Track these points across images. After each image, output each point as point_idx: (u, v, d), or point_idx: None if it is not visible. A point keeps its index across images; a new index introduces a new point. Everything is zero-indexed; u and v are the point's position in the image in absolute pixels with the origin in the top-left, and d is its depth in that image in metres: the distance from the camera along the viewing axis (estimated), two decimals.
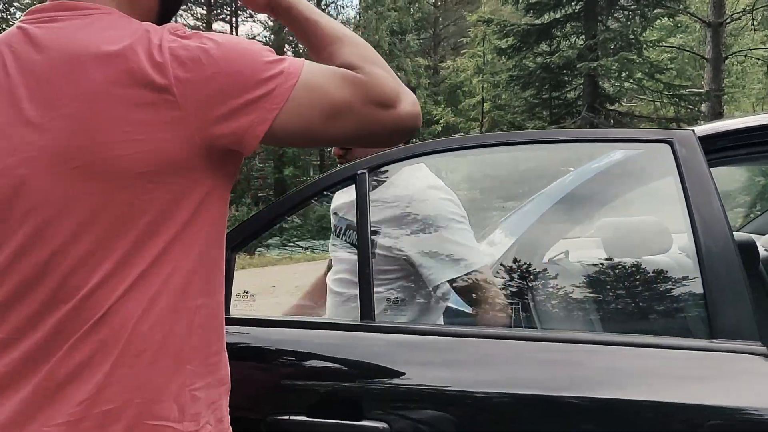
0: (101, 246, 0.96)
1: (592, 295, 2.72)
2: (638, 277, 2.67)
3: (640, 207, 2.95)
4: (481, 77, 15.81)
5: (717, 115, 13.94)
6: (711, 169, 1.60)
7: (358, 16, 32.66)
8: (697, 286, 1.50)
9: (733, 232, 1.56)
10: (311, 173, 35.87)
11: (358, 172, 1.71)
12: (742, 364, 1.40)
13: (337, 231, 2.06)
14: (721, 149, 1.80)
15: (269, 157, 33.37)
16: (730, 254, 1.48)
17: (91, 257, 0.96)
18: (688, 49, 16.01)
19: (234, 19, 36.16)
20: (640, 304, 2.55)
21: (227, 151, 1.01)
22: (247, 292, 2.15)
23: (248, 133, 0.98)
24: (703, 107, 14.48)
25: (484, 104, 15.80)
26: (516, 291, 2.63)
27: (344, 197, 2.02)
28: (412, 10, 29.66)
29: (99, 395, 0.96)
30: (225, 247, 1.12)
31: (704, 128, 1.81)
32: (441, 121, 18.53)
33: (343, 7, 39.06)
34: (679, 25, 16.81)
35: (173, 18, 1.17)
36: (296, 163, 34.92)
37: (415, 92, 1.21)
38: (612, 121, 14.62)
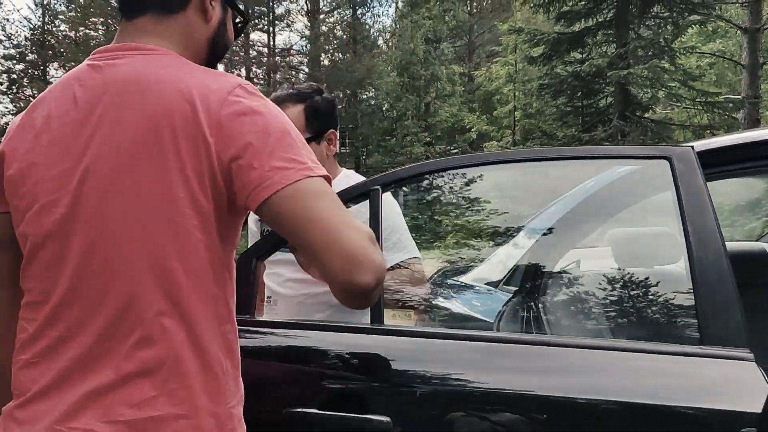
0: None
1: (600, 302, 2.82)
2: (643, 286, 2.76)
3: (641, 220, 3.03)
4: (513, 86, 15.82)
5: (754, 122, 13.78)
6: (717, 181, 1.70)
7: (394, 24, 32.92)
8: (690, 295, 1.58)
9: (747, 242, 1.64)
10: None
11: (372, 188, 1.85)
12: (727, 370, 1.47)
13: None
14: (719, 164, 1.89)
15: None
16: (722, 265, 1.56)
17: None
18: (723, 55, 15.82)
19: (271, 29, 36.59)
20: (645, 312, 2.63)
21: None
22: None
23: (251, 197, 1.09)
24: (739, 114, 14.31)
25: (516, 112, 15.80)
26: (528, 297, 2.77)
27: None
28: (447, 18, 29.76)
29: (148, 402, 1.08)
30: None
31: (702, 143, 1.91)
32: (473, 129, 18.56)
33: (379, 16, 39.19)
34: (718, 30, 16.61)
35: (220, 61, 1.35)
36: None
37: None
38: (644, 129, 14.52)
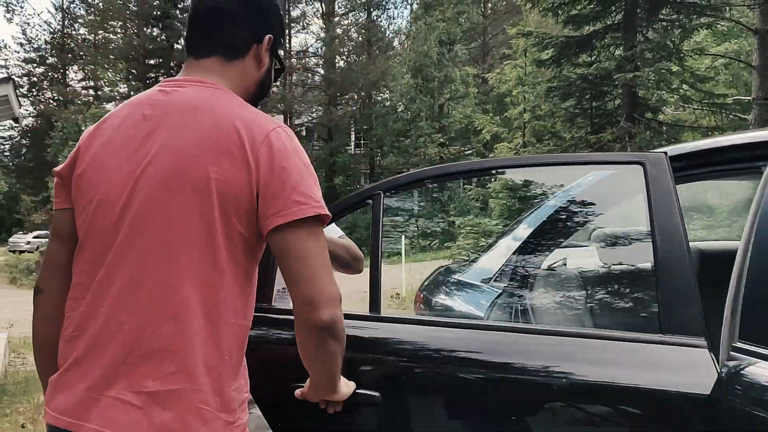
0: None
1: (580, 296, 3.03)
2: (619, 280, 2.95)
3: (616, 220, 3.22)
4: (523, 88, 15.99)
5: (764, 123, 13.80)
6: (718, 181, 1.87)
7: (408, 27, 33.12)
8: (654, 289, 1.74)
9: (728, 241, 1.82)
10: (362, 181, 36.43)
11: (375, 192, 2.10)
12: (683, 356, 1.62)
13: None
14: (688, 167, 2.03)
15: (320, 166, 34.03)
16: (683, 262, 1.70)
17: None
18: (734, 56, 15.85)
19: (287, 31, 36.90)
20: (622, 304, 2.83)
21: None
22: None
23: (268, 220, 1.33)
24: (749, 115, 14.34)
25: (525, 114, 15.96)
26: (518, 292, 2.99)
27: None
28: (460, 20, 29.91)
29: (168, 377, 1.29)
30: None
31: (675, 148, 2.05)
32: (485, 131, 18.73)
33: (393, 18, 39.31)
34: (733, 29, 16.60)
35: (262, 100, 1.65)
36: (347, 173, 35.57)
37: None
38: (652, 130, 14.60)
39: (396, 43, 35.99)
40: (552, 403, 1.72)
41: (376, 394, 1.80)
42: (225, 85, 1.47)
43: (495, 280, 3.30)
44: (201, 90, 1.43)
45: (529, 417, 1.76)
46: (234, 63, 1.51)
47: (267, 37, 1.54)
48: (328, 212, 1.36)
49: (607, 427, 1.69)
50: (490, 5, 35.69)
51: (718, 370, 1.57)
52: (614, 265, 3.08)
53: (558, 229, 3.24)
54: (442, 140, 27.23)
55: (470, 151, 26.98)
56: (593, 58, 15.26)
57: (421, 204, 23.56)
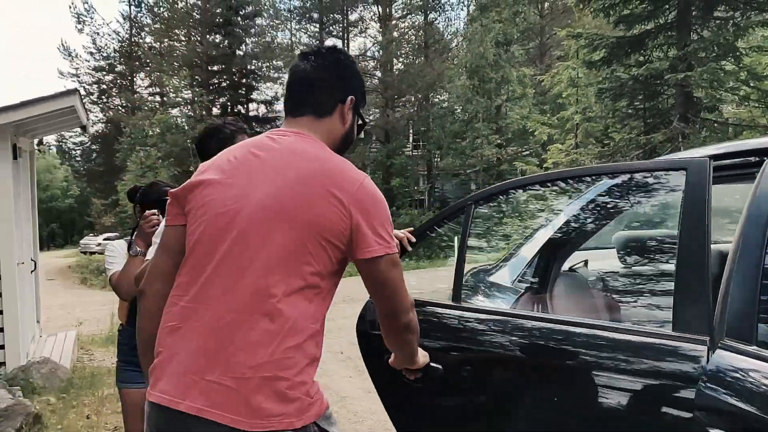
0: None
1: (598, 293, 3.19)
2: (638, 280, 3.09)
3: (658, 223, 3.36)
4: (575, 90, 15.91)
5: None
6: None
7: (465, 28, 33.14)
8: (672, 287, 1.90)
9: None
10: (419, 183, 36.64)
11: (467, 203, 2.60)
12: (687, 351, 1.78)
13: None
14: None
15: (377, 168, 34.38)
16: (702, 265, 1.82)
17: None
18: None
19: (345, 34, 37.34)
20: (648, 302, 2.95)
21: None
22: None
23: (357, 252, 1.73)
24: None
25: (576, 116, 15.89)
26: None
27: None
28: (517, 20, 29.80)
29: (262, 365, 1.59)
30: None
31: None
32: (537, 132, 18.71)
33: (450, 20, 39.34)
34: None
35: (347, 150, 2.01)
36: (404, 174, 35.81)
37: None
38: (707, 130, 14.36)
39: (453, 44, 36.02)
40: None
41: (439, 366, 2.33)
42: (316, 137, 1.84)
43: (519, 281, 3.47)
44: (301, 139, 1.81)
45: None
46: (323, 120, 1.88)
47: (349, 98, 1.91)
48: (397, 250, 1.79)
49: None
50: (547, 4, 35.41)
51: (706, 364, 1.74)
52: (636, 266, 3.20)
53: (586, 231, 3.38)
54: (499, 141, 27.19)
55: (527, 152, 26.85)
56: (645, 58, 15.08)
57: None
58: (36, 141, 9.81)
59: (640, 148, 14.09)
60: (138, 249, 3.32)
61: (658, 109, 15.68)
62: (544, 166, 17.08)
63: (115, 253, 3.47)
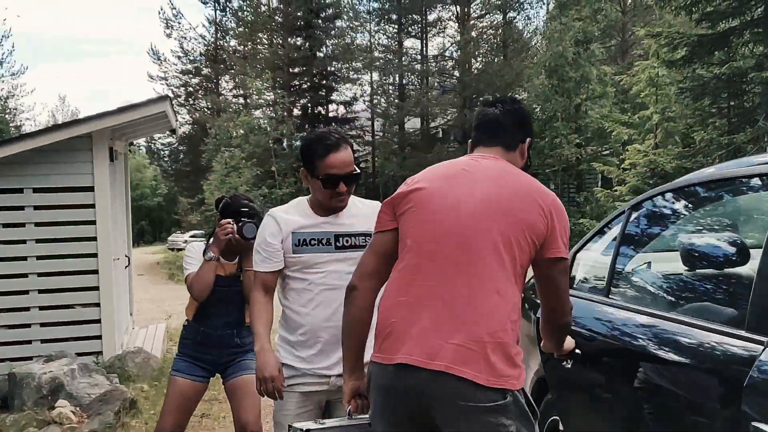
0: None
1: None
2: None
3: None
4: (654, 89, 15.59)
5: None
6: None
7: (544, 27, 32.81)
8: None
9: None
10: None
11: (625, 209, 3.05)
12: (750, 351, 1.89)
13: (324, 241, 2.88)
14: None
15: None
16: None
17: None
18: None
19: (424, 35, 37.54)
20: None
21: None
22: None
23: (546, 252, 2.15)
24: None
25: (655, 116, 15.57)
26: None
27: (294, 217, 2.92)
28: (598, 17, 29.29)
29: (498, 332, 1.98)
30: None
31: None
32: (614, 133, 18.43)
33: (529, 19, 38.99)
34: None
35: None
36: None
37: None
38: None
39: (532, 43, 35.70)
40: None
41: (578, 351, 2.80)
42: (506, 160, 2.32)
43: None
44: (500, 162, 2.29)
45: None
46: (509, 153, 2.36)
47: (528, 140, 2.41)
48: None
49: None
50: (629, 1, 34.62)
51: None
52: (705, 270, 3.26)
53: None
54: (578, 141, 26.82)
55: (607, 152, 26.36)
56: (730, 56, 14.66)
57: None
58: (128, 143, 10.40)
59: (722, 149, 13.75)
60: (212, 254, 3.62)
61: (743, 108, 15.23)
62: (621, 167, 16.83)
63: (193, 254, 3.73)
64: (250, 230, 3.51)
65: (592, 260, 3.59)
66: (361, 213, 2.94)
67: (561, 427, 3.30)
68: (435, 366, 1.95)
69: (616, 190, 16.97)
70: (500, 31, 35.48)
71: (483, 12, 35.74)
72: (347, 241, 2.88)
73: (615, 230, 3.37)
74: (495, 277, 2.03)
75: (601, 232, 3.59)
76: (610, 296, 3.06)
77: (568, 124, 26.79)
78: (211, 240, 3.67)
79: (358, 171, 2.90)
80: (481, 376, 1.93)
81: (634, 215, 3.22)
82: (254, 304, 2.94)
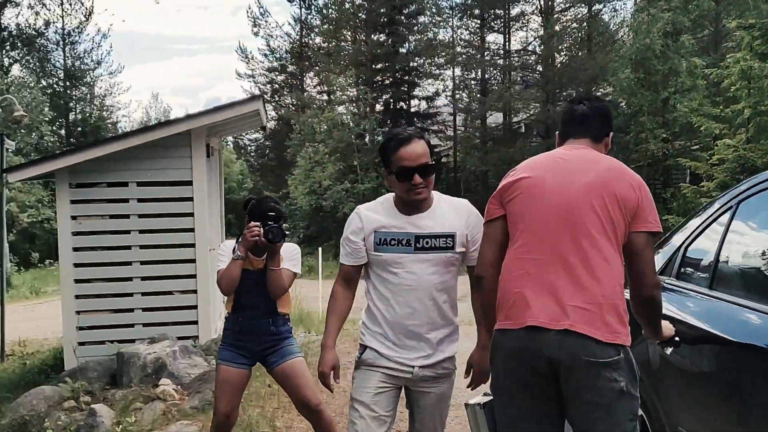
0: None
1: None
2: None
3: None
4: (747, 82, 15.08)
5: None
6: None
7: (630, 19, 32.00)
8: None
9: None
10: None
11: (729, 200, 3.13)
12: None
13: (404, 242, 2.94)
14: None
15: None
16: None
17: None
18: None
19: (507, 29, 37.24)
20: None
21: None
22: None
23: (637, 226, 2.45)
24: None
25: (747, 110, 15.05)
26: None
27: (377, 216, 3.01)
28: (689, 7, 28.39)
29: (609, 295, 2.33)
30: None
31: None
32: (703, 128, 17.92)
33: (616, 10, 38.12)
34: None
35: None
36: None
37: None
38: None
39: (618, 36, 34.87)
40: None
41: (677, 339, 2.88)
42: (594, 149, 2.64)
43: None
44: (591, 151, 2.62)
45: None
46: (597, 144, 2.69)
47: (611, 133, 2.76)
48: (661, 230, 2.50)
49: None
50: None
51: None
52: None
53: None
54: (665, 136, 26.13)
55: (696, 147, 25.56)
56: None
57: None
58: (222, 139, 10.89)
59: None
60: (239, 254, 3.89)
61: None
62: (709, 162, 16.37)
63: (225, 252, 4.03)
64: (274, 234, 3.79)
65: (696, 251, 3.54)
66: (444, 214, 2.97)
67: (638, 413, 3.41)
68: (561, 326, 2.27)
69: (703, 186, 16.54)
70: (585, 24, 34.81)
71: (567, 5, 35.14)
72: (427, 243, 2.91)
73: (717, 222, 3.31)
74: (602, 247, 2.35)
75: (703, 224, 3.48)
76: (713, 288, 3.03)
77: (654, 118, 26.13)
78: (239, 240, 3.94)
79: (432, 162, 2.93)
80: (600, 333, 2.26)
81: (743, 206, 3.14)
82: (332, 297, 3.11)
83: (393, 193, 3.03)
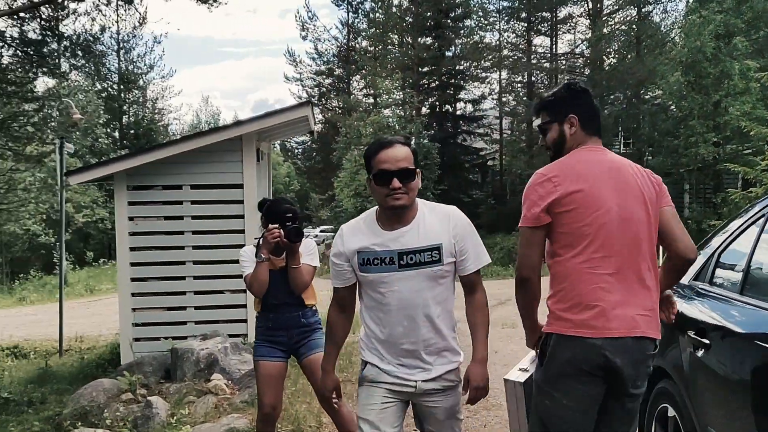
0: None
1: None
2: None
3: None
4: None
5: None
6: None
7: (682, 21, 31.52)
8: None
9: None
10: None
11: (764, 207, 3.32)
12: None
13: (387, 260, 2.82)
14: None
15: None
16: None
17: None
18: None
19: (554, 32, 37.00)
20: None
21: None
22: None
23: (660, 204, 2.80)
24: None
25: None
26: None
27: (360, 235, 2.89)
28: (742, 8, 27.84)
29: (655, 303, 2.71)
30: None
31: None
32: (752, 132, 17.59)
33: (666, 12, 37.55)
34: None
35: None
36: None
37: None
38: None
39: (669, 38, 34.35)
40: None
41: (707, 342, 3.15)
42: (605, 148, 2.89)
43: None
44: (611, 153, 2.83)
45: None
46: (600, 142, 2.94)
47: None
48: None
49: None
50: None
51: None
52: None
53: None
54: (715, 140, 25.68)
55: (748, 151, 25.05)
56: None
57: None
58: (271, 144, 11.18)
59: None
60: (263, 256, 4.05)
61: None
62: (759, 167, 16.08)
63: (247, 258, 4.19)
64: (295, 234, 3.99)
65: (731, 257, 3.62)
66: (428, 224, 2.85)
67: (670, 414, 3.54)
68: (636, 333, 2.59)
69: (751, 192, 16.28)
70: (634, 26, 34.38)
71: (616, 7, 34.76)
72: (411, 259, 2.79)
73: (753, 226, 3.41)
74: (649, 257, 2.67)
75: (739, 229, 3.58)
76: (744, 293, 3.17)
77: (704, 122, 25.68)
78: (260, 243, 4.11)
79: (413, 168, 2.79)
80: (656, 334, 2.67)
81: None
82: (328, 321, 3.09)
83: (376, 207, 2.93)
